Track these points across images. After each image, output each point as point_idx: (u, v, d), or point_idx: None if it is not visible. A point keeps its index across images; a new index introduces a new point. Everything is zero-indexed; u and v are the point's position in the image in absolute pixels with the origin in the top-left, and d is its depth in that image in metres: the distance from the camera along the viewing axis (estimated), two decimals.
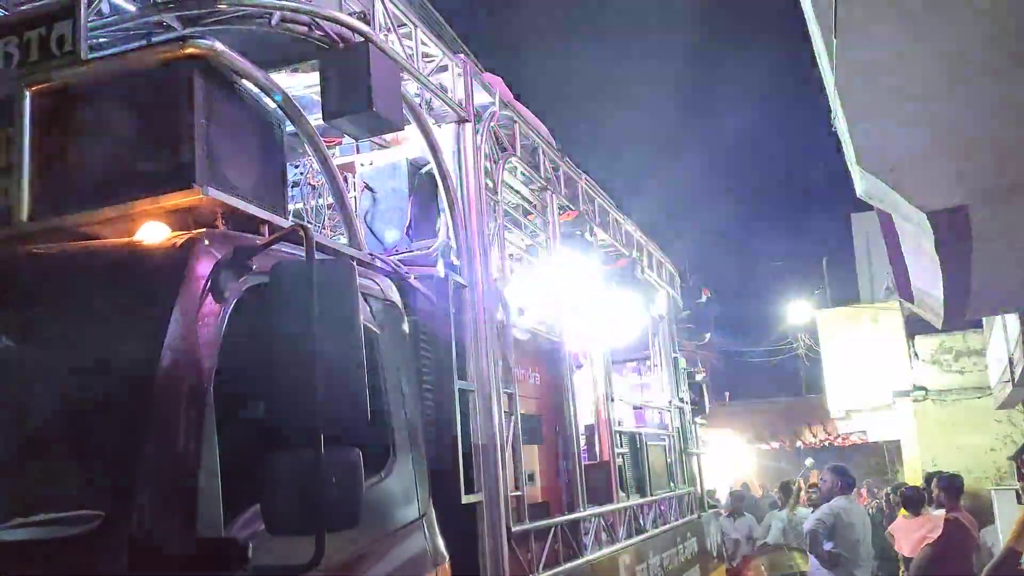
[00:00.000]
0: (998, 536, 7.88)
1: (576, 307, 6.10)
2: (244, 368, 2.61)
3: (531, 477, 4.87)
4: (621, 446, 6.30)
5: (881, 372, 14.28)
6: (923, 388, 13.64)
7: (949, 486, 7.79)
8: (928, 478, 8.33)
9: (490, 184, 4.70)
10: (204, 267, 2.60)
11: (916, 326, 13.31)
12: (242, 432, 2.56)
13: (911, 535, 7.96)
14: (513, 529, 4.23)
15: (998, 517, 8.08)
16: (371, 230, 4.58)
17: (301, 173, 4.72)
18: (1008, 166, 1.87)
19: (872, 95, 1.81)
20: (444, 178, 4.33)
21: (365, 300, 3.33)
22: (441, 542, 3.53)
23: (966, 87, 1.74)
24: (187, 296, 2.53)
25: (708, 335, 10.72)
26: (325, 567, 2.42)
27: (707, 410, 9.91)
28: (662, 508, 7.17)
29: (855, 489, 8.60)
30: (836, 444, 23.31)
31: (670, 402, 8.05)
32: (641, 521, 6.51)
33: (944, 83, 1.76)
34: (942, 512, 7.76)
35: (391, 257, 4.14)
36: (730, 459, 21.07)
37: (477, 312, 4.28)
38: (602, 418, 6.08)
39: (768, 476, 23.73)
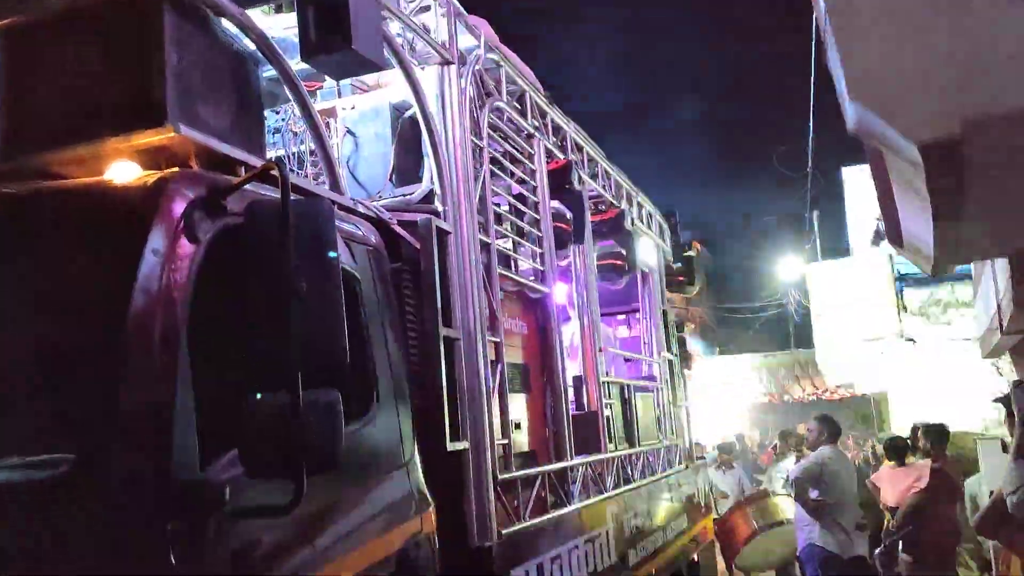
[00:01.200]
0: (981, 486, 7.95)
1: (564, 256, 6.05)
2: (219, 310, 2.55)
3: (518, 426, 4.85)
4: (609, 397, 6.29)
5: (869, 325, 14.34)
6: (911, 340, 13.70)
7: (935, 436, 7.84)
8: (914, 428, 8.38)
9: (475, 129, 4.60)
10: (177, 207, 2.53)
11: (905, 279, 13.32)
12: (218, 375, 2.51)
13: (897, 484, 8.03)
14: (500, 477, 4.22)
15: (982, 466, 8.15)
16: (353, 176, 4.49)
17: (283, 119, 4.61)
18: (1005, 94, 1.80)
19: (865, 20, 1.74)
20: (427, 122, 4.23)
21: (347, 245, 3.27)
22: (425, 489, 3.51)
23: (963, 11, 1.67)
24: (159, 237, 2.46)
25: (697, 289, 10.68)
26: (305, 512, 2.39)
27: (692, 363, 9.90)
28: (650, 459, 7.19)
29: (840, 438, 8.65)
30: (824, 398, 23.51)
31: (659, 354, 8.04)
32: (629, 471, 6.53)
33: (941, 6, 1.69)
34: (927, 461, 7.82)
35: (374, 203, 4.07)
36: (720, 413, 21.25)
37: (462, 259, 4.22)
38: (590, 368, 6.06)
39: (757, 430, 23.97)
